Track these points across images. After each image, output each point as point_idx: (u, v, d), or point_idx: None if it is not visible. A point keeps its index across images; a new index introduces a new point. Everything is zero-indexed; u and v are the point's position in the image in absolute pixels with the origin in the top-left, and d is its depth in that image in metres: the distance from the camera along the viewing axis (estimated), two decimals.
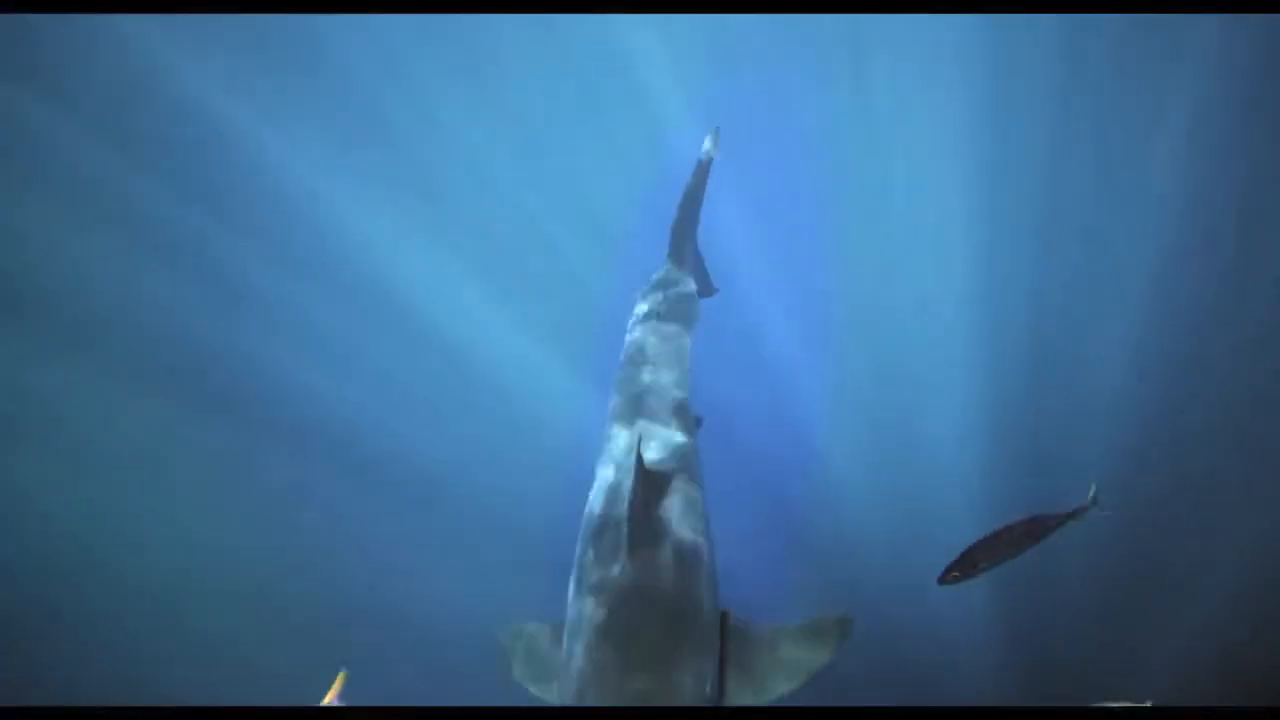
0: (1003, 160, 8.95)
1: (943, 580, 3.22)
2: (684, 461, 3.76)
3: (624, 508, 3.27)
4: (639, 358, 4.44)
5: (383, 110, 9.05)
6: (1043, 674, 7.23)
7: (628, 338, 4.72)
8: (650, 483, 3.39)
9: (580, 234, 9.22)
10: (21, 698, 6.31)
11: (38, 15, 6.65)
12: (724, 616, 3.35)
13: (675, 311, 4.74)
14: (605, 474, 3.76)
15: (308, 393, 7.84)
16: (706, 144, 5.32)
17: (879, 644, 5.23)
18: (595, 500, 3.63)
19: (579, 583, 3.28)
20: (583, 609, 3.12)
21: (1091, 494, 3.31)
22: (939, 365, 8.94)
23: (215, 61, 7.86)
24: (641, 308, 4.87)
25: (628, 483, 3.34)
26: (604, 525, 3.38)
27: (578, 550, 3.43)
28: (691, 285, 5.04)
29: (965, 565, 3.19)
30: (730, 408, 6.39)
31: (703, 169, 5.28)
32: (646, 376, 4.28)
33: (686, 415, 4.12)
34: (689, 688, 2.84)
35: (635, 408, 4.06)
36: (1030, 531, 3.28)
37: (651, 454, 3.65)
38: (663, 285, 4.95)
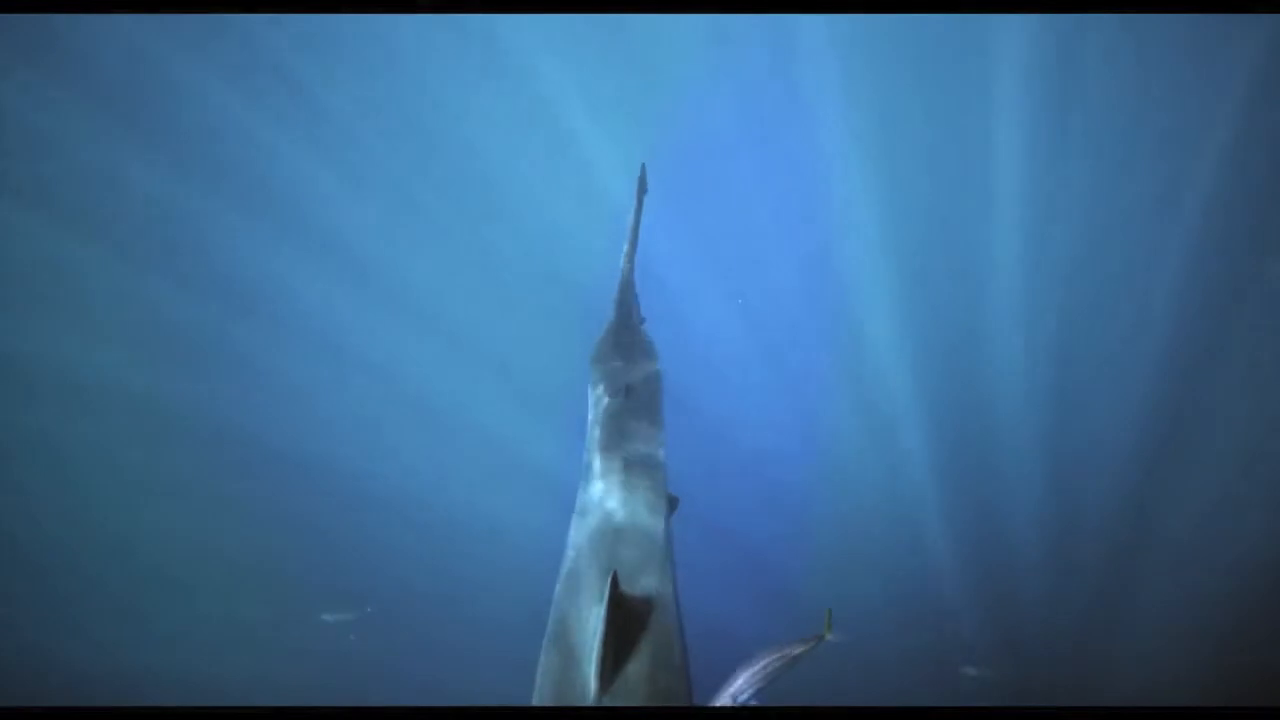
0: (1006, 168, 8.89)
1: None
2: (659, 561, 3.39)
3: (591, 639, 2.98)
4: (608, 430, 3.91)
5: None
6: (1040, 674, 7.25)
7: (591, 400, 4.15)
8: (622, 624, 3.05)
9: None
10: (21, 697, 6.32)
11: (38, 15, 6.62)
12: None
13: (641, 369, 4.18)
14: (573, 590, 3.32)
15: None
16: (637, 182, 4.96)
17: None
18: (558, 617, 3.25)
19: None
20: None
21: (827, 621, 3.61)
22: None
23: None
24: (602, 367, 4.25)
25: (597, 615, 3.01)
26: (570, 659, 3.05)
27: (539, 668, 3.11)
28: (648, 339, 4.47)
29: (733, 694, 3.51)
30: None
31: (636, 211, 4.89)
32: (618, 452, 3.79)
33: (662, 499, 3.69)
34: None
35: (606, 491, 3.64)
36: (783, 660, 3.55)
37: (621, 555, 3.30)
38: (619, 339, 4.34)
